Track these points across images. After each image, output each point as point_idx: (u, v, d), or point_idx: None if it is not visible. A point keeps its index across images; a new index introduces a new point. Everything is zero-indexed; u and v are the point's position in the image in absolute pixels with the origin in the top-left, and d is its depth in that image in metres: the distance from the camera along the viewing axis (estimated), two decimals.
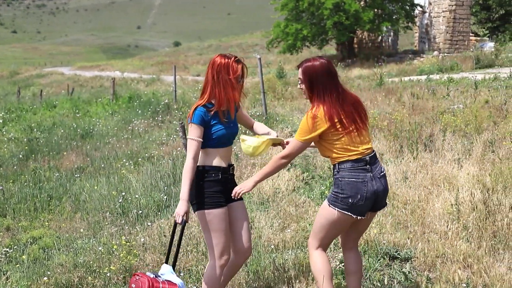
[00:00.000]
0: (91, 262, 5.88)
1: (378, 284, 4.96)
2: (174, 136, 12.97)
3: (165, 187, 8.50)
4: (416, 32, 33.88)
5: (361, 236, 4.80)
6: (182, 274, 5.49)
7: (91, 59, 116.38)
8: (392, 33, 34.16)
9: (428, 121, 10.90)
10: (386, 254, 5.48)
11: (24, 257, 6.44)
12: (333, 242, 5.14)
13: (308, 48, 34.90)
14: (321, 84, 4.08)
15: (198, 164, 4.38)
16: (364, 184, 3.98)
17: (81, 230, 7.41)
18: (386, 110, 12.68)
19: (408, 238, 5.82)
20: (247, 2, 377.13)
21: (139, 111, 17.98)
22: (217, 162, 4.38)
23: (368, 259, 5.37)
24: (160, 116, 16.75)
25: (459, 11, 29.30)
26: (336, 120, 4.00)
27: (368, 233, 5.72)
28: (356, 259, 4.40)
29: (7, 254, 6.69)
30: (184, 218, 4.25)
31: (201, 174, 4.36)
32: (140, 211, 7.60)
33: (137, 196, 8.14)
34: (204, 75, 4.72)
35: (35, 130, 16.90)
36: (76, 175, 10.44)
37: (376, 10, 30.60)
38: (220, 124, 4.36)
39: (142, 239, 6.42)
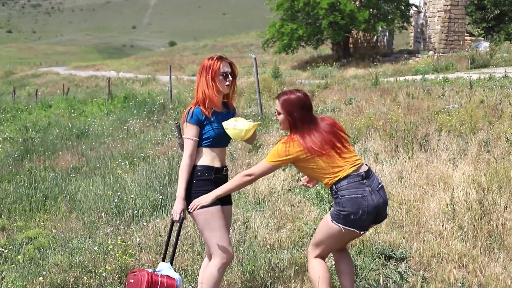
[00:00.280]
0: (86, 262, 5.87)
1: (374, 283, 4.97)
2: (170, 136, 12.97)
3: (161, 187, 8.50)
4: (411, 32, 33.92)
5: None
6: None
7: (87, 59, 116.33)
8: (387, 33, 34.19)
9: (423, 121, 10.91)
10: (382, 254, 5.49)
11: (19, 257, 6.42)
12: None
13: (303, 48, 34.91)
14: (297, 116, 4.15)
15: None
16: (364, 199, 4.01)
17: (77, 230, 7.40)
18: (381, 110, 12.69)
19: (404, 238, 5.82)
20: (242, 2, 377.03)
21: (135, 111, 17.97)
22: (209, 162, 4.40)
23: (363, 258, 5.38)
24: (156, 116, 16.74)
25: (454, 11, 29.36)
26: (314, 149, 4.06)
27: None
28: (347, 259, 4.42)
29: (3, 254, 6.67)
30: (182, 215, 4.26)
31: (193, 173, 4.38)
32: (136, 211, 7.59)
33: (132, 196, 8.13)
34: None
35: (30, 130, 16.87)
36: (71, 175, 10.42)
37: (371, 10, 30.63)
38: (214, 124, 4.39)
39: (138, 239, 6.42)
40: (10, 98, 30.88)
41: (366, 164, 4.24)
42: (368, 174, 4.13)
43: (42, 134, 15.81)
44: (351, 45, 34.81)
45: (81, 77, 44.51)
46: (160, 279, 4.20)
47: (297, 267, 5.28)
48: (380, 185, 4.15)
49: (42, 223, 7.91)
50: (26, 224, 7.92)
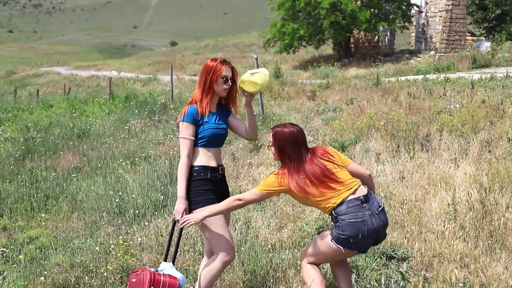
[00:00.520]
0: (88, 262, 5.87)
1: (375, 284, 4.96)
2: (171, 136, 12.97)
3: (162, 187, 8.50)
4: (412, 32, 33.92)
5: None
6: None
7: (88, 59, 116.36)
8: (388, 33, 34.19)
9: (424, 120, 10.91)
10: (383, 254, 5.49)
11: (21, 257, 6.42)
12: None
13: (304, 47, 34.92)
14: (287, 152, 4.19)
15: None
16: (364, 224, 4.01)
17: (78, 230, 7.40)
18: (382, 109, 12.69)
19: (405, 238, 5.82)
20: (243, 2, 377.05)
21: (136, 111, 17.97)
22: (205, 161, 4.41)
23: (365, 258, 5.37)
24: (157, 115, 16.74)
25: (456, 11, 29.35)
26: (297, 189, 4.10)
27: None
28: (343, 262, 4.44)
29: (4, 254, 6.67)
30: (184, 215, 4.27)
31: (190, 173, 4.39)
32: (137, 211, 7.59)
33: (134, 195, 8.13)
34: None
35: (31, 129, 16.88)
36: (73, 175, 10.42)
37: (372, 9, 30.63)
38: (209, 124, 4.41)
39: (139, 239, 6.41)
40: (11, 98, 30.92)
41: (365, 186, 4.24)
42: (367, 197, 4.12)
43: (43, 134, 15.81)
44: (353, 45, 34.82)
45: (82, 77, 44.54)
46: (162, 278, 4.19)
47: (298, 267, 5.28)
48: (380, 208, 4.14)
49: (44, 223, 7.91)
50: (28, 224, 7.92)
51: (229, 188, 4.75)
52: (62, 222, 7.87)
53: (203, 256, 5.68)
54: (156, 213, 7.61)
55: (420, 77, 19.21)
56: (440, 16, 29.70)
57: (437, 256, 5.34)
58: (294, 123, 4.40)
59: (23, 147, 13.53)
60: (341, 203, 4.05)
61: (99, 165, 10.97)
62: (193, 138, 4.37)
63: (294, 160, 4.16)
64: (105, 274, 5.46)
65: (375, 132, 10.36)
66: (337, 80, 21.73)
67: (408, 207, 6.55)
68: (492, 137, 9.02)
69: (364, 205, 4.06)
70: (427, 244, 5.56)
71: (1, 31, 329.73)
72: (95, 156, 11.89)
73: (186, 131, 4.37)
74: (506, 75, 15.79)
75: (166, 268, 4.34)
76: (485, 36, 34.10)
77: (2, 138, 15.69)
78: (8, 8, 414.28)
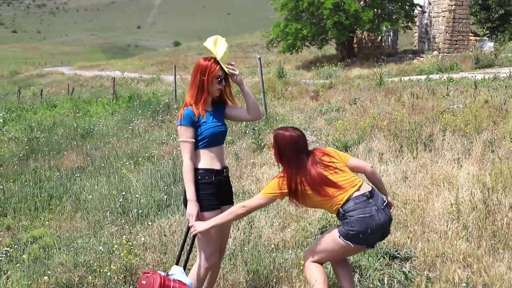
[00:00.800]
0: (91, 262, 5.88)
1: (378, 283, 4.97)
2: (174, 136, 12.98)
3: (165, 187, 8.51)
4: (415, 32, 33.89)
5: None
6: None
7: (91, 59, 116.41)
8: (391, 33, 34.15)
9: (427, 120, 10.91)
10: (386, 254, 5.49)
11: (24, 256, 6.43)
12: None
13: (308, 48, 34.90)
14: (287, 154, 4.22)
15: None
16: (372, 219, 4.04)
17: (82, 230, 7.41)
18: (386, 109, 12.69)
19: (408, 238, 5.82)
20: (246, 2, 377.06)
21: (139, 111, 17.99)
22: (209, 164, 4.36)
23: (368, 258, 5.38)
24: (160, 115, 16.76)
25: (459, 11, 29.30)
26: (298, 189, 4.14)
27: None
28: (345, 262, 4.46)
29: (8, 254, 6.69)
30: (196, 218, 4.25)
31: (194, 177, 4.35)
32: (141, 211, 7.60)
33: (137, 195, 8.14)
34: None
35: (35, 129, 16.91)
36: (76, 175, 10.44)
37: (375, 10, 30.59)
38: (207, 124, 4.36)
39: (143, 239, 6.42)
40: (15, 98, 30.98)
41: (368, 184, 4.29)
42: (372, 193, 4.18)
43: (47, 134, 15.85)
44: (356, 45, 34.79)
45: (86, 77, 44.57)
46: (172, 284, 4.16)
47: (301, 267, 5.28)
48: (384, 203, 4.19)
49: (47, 222, 7.93)
50: (31, 223, 7.94)
51: (232, 189, 4.74)
52: (65, 222, 7.89)
53: None
54: (160, 213, 7.62)
55: (423, 77, 19.19)
56: (443, 16, 29.66)
57: (440, 256, 5.34)
58: (297, 127, 4.41)
59: (27, 147, 13.56)
60: (347, 200, 4.09)
61: (103, 165, 10.99)
62: (193, 141, 4.32)
63: (293, 165, 4.17)
64: (108, 273, 5.47)
65: (378, 132, 10.36)
66: (340, 80, 21.71)
67: (411, 207, 6.55)
68: (495, 137, 9.02)
69: (370, 200, 4.10)
70: (430, 244, 5.56)
71: (5, 31, 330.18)
72: (99, 156, 11.91)
73: (185, 134, 4.31)
74: (509, 75, 15.77)
75: (177, 273, 4.31)
76: (488, 36, 34.03)
77: (6, 138, 15.73)
78: (12, 8, 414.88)
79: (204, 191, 4.33)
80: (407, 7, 31.02)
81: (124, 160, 11.06)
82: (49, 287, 5.48)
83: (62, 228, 7.64)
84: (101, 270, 5.58)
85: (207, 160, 4.37)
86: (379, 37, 34.35)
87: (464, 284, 4.75)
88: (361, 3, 30.74)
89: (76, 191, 9.20)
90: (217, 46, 4.40)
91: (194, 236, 4.36)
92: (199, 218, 4.32)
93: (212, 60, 4.39)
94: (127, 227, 7.14)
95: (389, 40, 34.87)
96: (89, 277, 5.52)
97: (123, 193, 8.30)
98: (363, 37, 35.14)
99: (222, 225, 4.44)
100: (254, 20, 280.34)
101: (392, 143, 9.49)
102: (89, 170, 10.84)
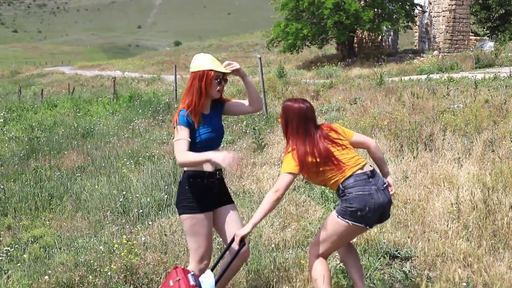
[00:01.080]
0: (92, 261, 5.89)
1: (379, 283, 4.97)
2: (174, 136, 12.96)
3: (166, 186, 8.52)
4: (416, 32, 33.87)
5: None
6: None
7: (92, 59, 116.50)
8: (392, 33, 34.12)
9: (428, 120, 10.91)
10: (387, 253, 5.50)
11: (25, 256, 6.44)
12: None
13: (308, 47, 34.89)
14: (294, 125, 4.24)
15: (184, 169, 4.36)
16: (371, 197, 4.08)
17: (82, 229, 7.42)
18: (386, 109, 12.69)
19: (408, 237, 5.83)
20: (246, 2, 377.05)
21: (140, 111, 18.00)
22: (201, 166, 4.30)
23: (368, 258, 5.38)
24: (161, 115, 16.76)
25: (459, 11, 29.30)
26: (308, 160, 4.15)
27: (368, 233, 5.73)
28: (353, 252, 4.52)
29: (8, 253, 6.70)
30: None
31: (186, 178, 4.32)
32: (141, 210, 7.61)
33: (138, 195, 8.15)
34: None
35: (36, 129, 16.91)
36: (77, 174, 10.45)
37: (376, 9, 30.57)
38: (204, 129, 4.29)
39: (143, 238, 6.43)
40: (16, 97, 30.97)
41: (371, 165, 4.30)
42: (374, 173, 4.21)
43: (47, 134, 15.85)
44: (356, 45, 34.78)
45: (86, 77, 44.58)
46: None
47: (302, 267, 5.29)
48: (384, 185, 4.22)
49: (48, 222, 7.94)
50: (32, 223, 7.95)
51: (228, 190, 4.67)
52: (66, 222, 7.90)
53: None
54: (160, 212, 7.64)
55: (423, 76, 19.19)
56: (443, 16, 29.65)
57: (441, 255, 5.35)
58: (306, 99, 4.42)
59: (27, 147, 13.57)
60: (349, 177, 4.13)
61: (103, 164, 11.00)
62: (189, 140, 4.19)
63: (301, 135, 4.19)
64: (109, 273, 5.48)
65: (379, 131, 10.36)
66: (340, 80, 21.71)
67: (412, 207, 6.56)
68: (496, 137, 9.02)
69: (371, 180, 4.15)
70: (431, 244, 5.57)
71: (5, 31, 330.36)
72: (99, 155, 11.91)
73: (181, 133, 4.20)
74: (510, 74, 15.76)
75: (207, 283, 4.14)
76: (488, 36, 34.04)
77: (6, 138, 15.74)
78: (12, 8, 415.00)
79: (195, 194, 4.30)
80: (407, 7, 31.00)
81: (125, 159, 11.06)
82: (50, 286, 5.49)
83: (63, 227, 7.64)
84: (102, 270, 5.59)
85: None
86: (380, 36, 34.33)
87: (465, 284, 4.76)
88: (362, 2, 30.72)
89: (77, 190, 9.20)
90: (214, 62, 4.32)
91: (239, 250, 4.22)
92: (184, 221, 4.32)
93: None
94: (127, 226, 7.15)
95: (390, 39, 34.85)
96: (90, 276, 5.53)
97: (124, 192, 8.31)
98: (363, 36, 35.12)
99: (222, 228, 4.45)
100: (255, 20, 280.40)
101: (392, 143, 9.50)
102: (89, 170, 10.84)
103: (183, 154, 4.13)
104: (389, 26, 31.17)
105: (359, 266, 4.48)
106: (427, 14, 31.60)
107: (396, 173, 7.84)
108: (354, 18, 29.25)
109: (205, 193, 4.32)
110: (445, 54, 27.58)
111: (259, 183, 8.35)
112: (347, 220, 4.10)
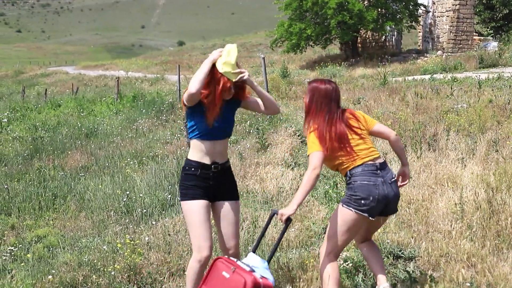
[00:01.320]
0: (95, 261, 5.89)
1: None
2: (178, 135, 12.99)
3: (169, 186, 8.52)
4: (419, 32, 33.84)
5: (373, 234, 4.80)
6: None
7: (96, 59, 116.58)
8: (395, 33, 34.09)
9: (431, 120, 10.90)
10: (390, 253, 5.50)
11: (29, 255, 6.45)
12: None
13: (312, 47, 34.88)
14: (318, 104, 4.34)
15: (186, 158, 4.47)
16: (376, 187, 4.16)
17: (86, 229, 7.43)
18: (389, 109, 12.69)
19: (412, 237, 5.82)
20: (250, 2, 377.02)
21: (144, 110, 18.00)
22: (199, 157, 4.38)
23: None
24: (165, 115, 16.77)
25: (463, 11, 29.27)
26: (326, 138, 4.23)
27: None
28: (372, 246, 4.60)
29: (12, 253, 6.71)
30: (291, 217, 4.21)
31: (183, 167, 4.45)
32: (145, 210, 7.62)
33: (141, 195, 8.16)
34: None
35: (39, 129, 16.93)
36: (80, 174, 10.46)
37: (379, 9, 30.57)
38: (204, 117, 4.32)
39: (147, 238, 6.44)
40: (19, 97, 31.02)
41: (384, 159, 4.34)
42: (383, 166, 4.29)
43: (51, 133, 15.86)
44: (360, 45, 34.75)
45: (90, 77, 44.65)
46: (262, 282, 3.99)
47: (305, 267, 5.29)
48: (393, 179, 4.31)
49: (52, 222, 7.95)
50: (36, 223, 7.96)
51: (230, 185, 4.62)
52: (70, 221, 7.90)
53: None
54: (164, 212, 7.64)
55: (427, 76, 19.17)
56: (447, 16, 29.63)
57: (444, 255, 5.34)
58: (331, 80, 4.51)
59: (31, 147, 13.58)
60: (358, 166, 4.22)
61: (107, 164, 11.01)
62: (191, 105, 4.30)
63: (323, 112, 4.29)
64: (112, 273, 5.48)
65: None
66: (344, 79, 21.71)
67: (415, 207, 6.55)
68: (499, 137, 9.01)
69: (378, 172, 4.23)
70: (434, 244, 5.56)
71: (9, 31, 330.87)
72: (103, 155, 11.92)
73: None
74: None
75: (260, 267, 4.12)
76: (492, 36, 33.98)
77: (10, 138, 15.76)
78: (16, 8, 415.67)
79: (189, 182, 4.38)
80: (411, 7, 30.99)
81: (128, 159, 11.07)
82: (54, 286, 5.50)
83: (66, 227, 7.65)
84: (105, 270, 5.59)
85: (198, 153, 4.38)
86: (383, 36, 34.30)
87: (468, 284, 4.75)
88: (365, 2, 30.72)
89: (81, 190, 9.21)
90: (226, 65, 4.27)
91: (287, 225, 4.26)
92: (182, 207, 4.41)
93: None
94: (131, 226, 7.16)
95: (393, 39, 34.82)
96: (93, 276, 5.53)
97: (127, 192, 8.32)
98: (367, 36, 35.10)
99: (217, 222, 4.49)
100: (258, 20, 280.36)
101: None
102: (93, 170, 10.85)
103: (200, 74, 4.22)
104: (393, 26, 31.16)
105: (381, 260, 4.57)
106: (430, 14, 31.58)
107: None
108: (358, 18, 29.26)
109: (198, 182, 4.36)
110: (449, 54, 27.55)
111: (263, 183, 8.34)
112: (350, 208, 4.19)
